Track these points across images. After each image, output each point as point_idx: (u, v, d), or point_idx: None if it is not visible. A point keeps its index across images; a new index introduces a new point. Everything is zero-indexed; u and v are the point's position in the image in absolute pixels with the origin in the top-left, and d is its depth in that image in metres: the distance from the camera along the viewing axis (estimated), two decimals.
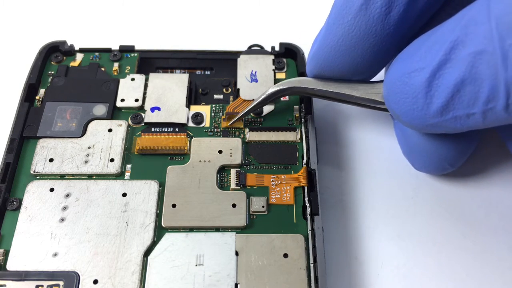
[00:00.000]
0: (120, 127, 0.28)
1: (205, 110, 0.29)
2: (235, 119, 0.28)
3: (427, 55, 0.20)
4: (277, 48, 0.31)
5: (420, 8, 0.22)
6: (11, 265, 0.23)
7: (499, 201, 0.28)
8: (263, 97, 0.27)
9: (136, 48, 0.31)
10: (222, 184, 0.26)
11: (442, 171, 0.27)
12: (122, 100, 0.29)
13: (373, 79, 0.25)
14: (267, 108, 0.29)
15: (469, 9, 0.19)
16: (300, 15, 0.37)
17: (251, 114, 0.28)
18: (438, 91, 0.19)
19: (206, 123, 0.28)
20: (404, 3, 0.21)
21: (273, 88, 0.26)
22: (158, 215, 0.25)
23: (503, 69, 0.17)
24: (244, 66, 0.30)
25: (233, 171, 0.26)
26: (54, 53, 0.31)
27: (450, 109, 0.20)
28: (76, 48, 0.31)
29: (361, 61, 0.23)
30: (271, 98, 0.27)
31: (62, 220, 0.24)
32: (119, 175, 0.26)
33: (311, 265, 0.23)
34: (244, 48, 0.31)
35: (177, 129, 0.28)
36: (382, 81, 0.24)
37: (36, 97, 0.29)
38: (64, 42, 0.31)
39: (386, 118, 0.31)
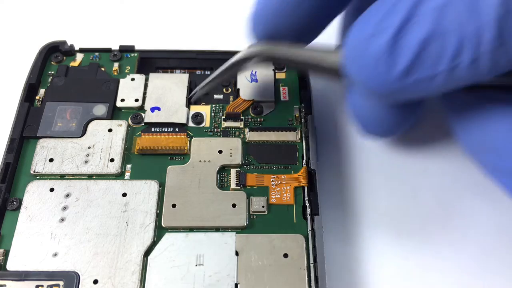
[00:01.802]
0: (120, 127, 0.28)
1: (205, 110, 0.29)
2: (195, 91, 0.26)
3: (389, 14, 0.19)
4: None
5: None
6: (11, 265, 0.23)
7: (500, 200, 0.28)
8: (229, 63, 0.25)
9: (136, 48, 0.31)
10: (222, 184, 0.26)
11: (387, 134, 0.26)
12: (122, 100, 0.29)
13: None
14: (267, 108, 0.29)
15: None
16: None
17: (251, 114, 0.28)
18: (403, 51, 0.18)
19: (206, 123, 0.28)
20: None
21: (240, 55, 0.24)
22: (158, 215, 0.25)
23: (471, 19, 0.17)
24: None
25: (233, 171, 0.26)
26: (54, 53, 0.31)
27: (414, 71, 0.19)
28: (76, 48, 0.31)
29: (307, 21, 0.22)
30: (239, 65, 0.25)
31: (62, 220, 0.24)
32: (119, 175, 0.26)
33: (311, 265, 0.23)
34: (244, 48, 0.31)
35: (177, 129, 0.28)
36: None
37: (36, 97, 0.29)
38: (64, 42, 0.31)
39: None
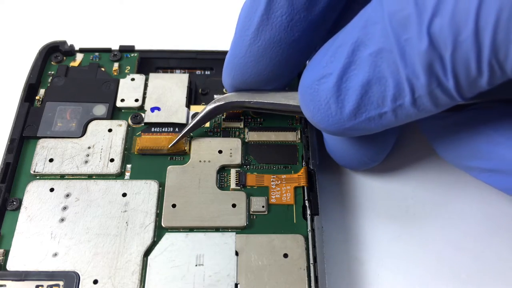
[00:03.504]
0: (120, 127, 0.28)
1: None
2: (176, 140, 0.27)
3: (332, 59, 0.20)
4: None
5: (321, 11, 0.22)
6: (11, 265, 0.23)
7: (499, 200, 0.28)
8: (201, 115, 0.26)
9: (136, 48, 0.31)
10: (222, 184, 0.26)
11: (365, 167, 0.27)
12: (122, 100, 0.29)
13: None
14: None
15: (366, 9, 0.19)
16: None
17: (251, 114, 0.28)
18: (348, 95, 0.20)
19: (206, 123, 0.28)
20: (304, 8, 0.21)
21: (211, 105, 0.26)
22: (158, 215, 0.25)
23: (402, 65, 0.17)
24: None
25: (233, 171, 0.26)
26: (54, 53, 0.31)
27: (362, 111, 0.20)
28: (76, 48, 0.31)
29: (270, 71, 0.23)
30: (211, 115, 0.26)
31: (62, 220, 0.24)
32: (119, 175, 0.26)
33: (311, 265, 0.23)
34: None
35: (177, 129, 0.28)
36: None
37: (36, 97, 0.29)
38: (64, 42, 0.31)
39: None
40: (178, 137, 0.27)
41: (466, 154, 0.22)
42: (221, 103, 0.26)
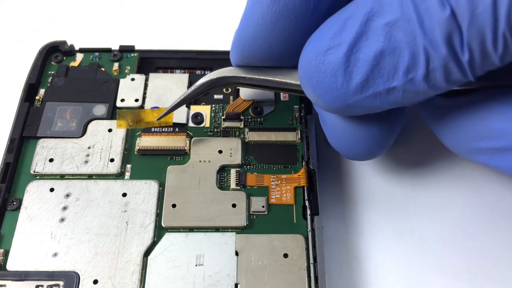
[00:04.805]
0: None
1: (205, 110, 0.29)
2: (164, 113, 0.26)
3: (342, 30, 0.19)
4: None
5: None
6: (11, 265, 0.23)
7: (500, 200, 0.28)
8: (193, 88, 0.25)
9: (136, 48, 0.31)
10: (222, 184, 0.26)
11: (370, 155, 0.25)
12: (122, 100, 0.29)
13: None
14: (267, 108, 0.29)
15: None
16: None
17: (251, 114, 0.28)
18: (357, 66, 0.19)
19: (206, 123, 0.28)
20: None
21: (203, 79, 0.25)
22: (158, 215, 0.25)
23: (421, 35, 0.17)
24: None
25: (233, 171, 0.26)
26: (54, 53, 0.31)
27: (370, 84, 0.19)
28: (76, 48, 0.31)
29: (283, 42, 0.22)
30: (202, 89, 0.25)
31: (62, 220, 0.24)
32: (119, 175, 0.26)
33: (311, 265, 0.23)
34: None
35: (177, 129, 0.28)
36: None
37: (36, 97, 0.29)
38: (64, 42, 0.31)
39: None
40: (167, 110, 0.26)
41: (474, 134, 0.21)
42: (214, 77, 0.24)
